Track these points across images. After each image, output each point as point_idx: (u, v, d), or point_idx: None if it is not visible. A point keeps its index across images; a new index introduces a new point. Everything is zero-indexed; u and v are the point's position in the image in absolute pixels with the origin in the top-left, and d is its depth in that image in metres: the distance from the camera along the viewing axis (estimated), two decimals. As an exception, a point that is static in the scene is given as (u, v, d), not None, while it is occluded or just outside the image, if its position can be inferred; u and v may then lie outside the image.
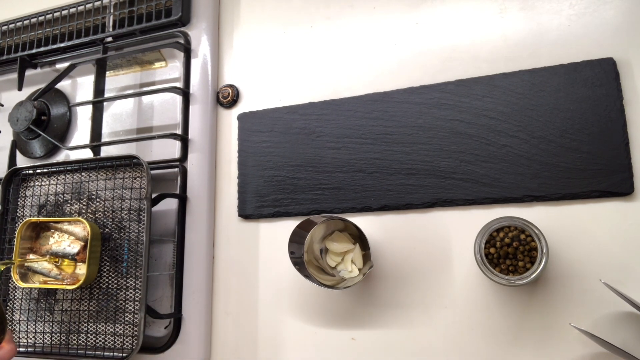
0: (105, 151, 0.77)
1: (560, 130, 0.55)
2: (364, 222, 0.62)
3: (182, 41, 0.74)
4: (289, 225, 0.66)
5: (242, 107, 0.73)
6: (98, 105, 0.76)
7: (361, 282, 0.61)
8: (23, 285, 0.68)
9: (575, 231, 0.54)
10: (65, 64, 0.80)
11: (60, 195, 0.73)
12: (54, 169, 0.74)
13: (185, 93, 0.73)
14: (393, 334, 0.59)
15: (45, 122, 0.82)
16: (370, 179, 0.62)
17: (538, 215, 0.55)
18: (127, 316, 0.66)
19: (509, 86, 0.58)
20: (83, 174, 0.72)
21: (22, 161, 0.84)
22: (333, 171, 0.64)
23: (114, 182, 0.70)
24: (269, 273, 0.66)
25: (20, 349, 0.70)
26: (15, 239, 0.69)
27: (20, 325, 0.71)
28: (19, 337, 0.70)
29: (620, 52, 0.55)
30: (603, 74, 0.54)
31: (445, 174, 0.59)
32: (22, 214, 0.74)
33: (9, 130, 0.84)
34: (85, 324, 0.67)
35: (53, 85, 0.80)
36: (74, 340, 0.67)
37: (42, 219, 0.70)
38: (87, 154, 0.76)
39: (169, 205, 0.69)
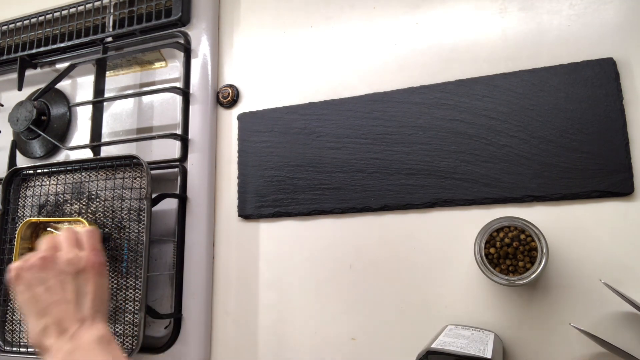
0: (105, 151, 0.77)
1: (560, 130, 0.55)
2: (364, 222, 0.62)
3: (182, 41, 0.74)
4: (289, 225, 0.66)
5: (242, 107, 0.73)
6: (98, 105, 0.76)
7: (361, 282, 0.61)
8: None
9: (575, 231, 0.54)
10: (65, 64, 0.80)
11: (60, 195, 0.73)
12: (54, 169, 0.74)
13: (185, 93, 0.73)
14: (393, 334, 0.59)
15: (45, 122, 0.82)
16: (370, 179, 0.62)
17: (538, 215, 0.55)
18: (127, 316, 0.66)
19: (509, 86, 0.58)
20: (83, 174, 0.72)
21: (22, 161, 0.84)
22: (333, 171, 0.64)
23: (114, 182, 0.70)
24: (269, 273, 0.66)
25: (21, 349, 0.70)
26: (16, 239, 0.69)
27: (20, 325, 0.71)
28: (19, 337, 0.71)
29: (620, 52, 0.55)
30: (603, 74, 0.54)
31: (445, 174, 0.59)
32: (22, 214, 0.74)
33: (9, 130, 0.84)
34: (85, 324, 0.67)
35: (53, 85, 0.80)
36: (74, 340, 0.67)
37: (42, 219, 0.70)
38: (87, 154, 0.76)
39: (169, 205, 0.69)
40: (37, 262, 0.52)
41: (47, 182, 0.74)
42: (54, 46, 0.82)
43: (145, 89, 0.79)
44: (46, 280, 0.51)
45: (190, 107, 0.72)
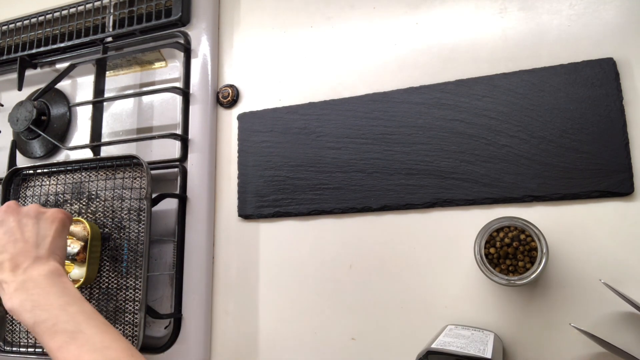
0: (105, 151, 0.77)
1: (560, 130, 0.55)
2: (364, 222, 0.62)
3: (182, 41, 0.74)
4: (289, 225, 0.66)
5: (242, 107, 0.73)
6: (98, 105, 0.76)
7: (360, 282, 0.61)
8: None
9: (575, 231, 0.54)
10: (65, 64, 0.80)
11: (60, 195, 0.73)
12: (54, 169, 0.74)
13: (185, 93, 0.73)
14: (393, 334, 0.59)
15: (45, 122, 0.82)
16: (370, 179, 0.62)
17: (538, 215, 0.55)
18: (127, 316, 0.66)
19: (509, 86, 0.58)
20: (83, 174, 0.72)
21: (22, 161, 0.84)
22: (333, 171, 0.64)
23: (114, 182, 0.70)
24: (269, 273, 0.66)
25: (21, 349, 0.70)
26: (15, 239, 0.69)
27: (20, 325, 0.71)
28: (19, 337, 0.71)
29: (620, 52, 0.55)
30: (603, 74, 0.54)
31: (445, 174, 0.59)
32: (22, 214, 0.74)
33: (9, 130, 0.84)
34: (85, 324, 0.67)
35: (53, 85, 0.80)
36: (74, 340, 0.67)
37: (42, 219, 0.70)
38: (87, 154, 0.76)
39: (169, 205, 0.69)
40: (1, 207, 0.57)
41: (47, 182, 0.74)
42: (54, 46, 0.82)
43: (145, 89, 0.79)
44: (7, 223, 0.55)
45: (190, 107, 0.72)
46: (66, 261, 0.69)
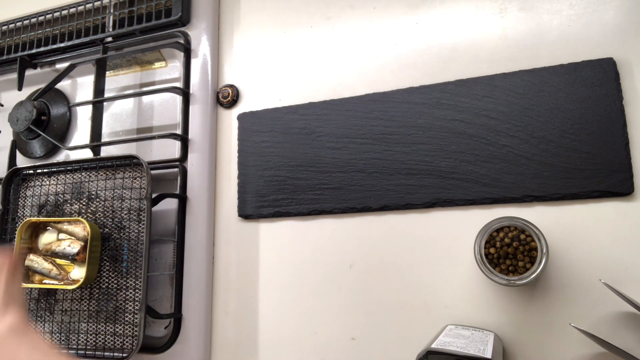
0: (105, 151, 0.77)
1: (560, 130, 0.55)
2: (363, 222, 0.62)
3: (182, 41, 0.74)
4: (289, 225, 0.66)
5: (242, 107, 0.73)
6: (98, 105, 0.76)
7: (360, 282, 0.61)
8: (23, 285, 0.68)
9: (575, 231, 0.54)
10: (65, 64, 0.80)
11: (60, 195, 0.73)
12: (54, 169, 0.74)
13: (185, 93, 0.73)
14: (393, 334, 0.59)
15: (45, 122, 0.82)
16: (370, 179, 0.62)
17: (538, 215, 0.55)
18: (127, 316, 0.66)
19: (509, 86, 0.58)
20: (83, 174, 0.72)
21: (22, 161, 0.84)
22: (333, 171, 0.64)
23: (114, 182, 0.70)
24: (269, 273, 0.66)
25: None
26: (16, 239, 0.69)
27: (20, 325, 0.71)
28: (19, 337, 0.70)
29: (620, 52, 0.55)
30: (603, 74, 0.54)
31: (445, 174, 0.59)
32: (22, 214, 0.74)
33: (9, 130, 0.84)
34: (85, 324, 0.67)
35: (53, 85, 0.80)
36: (74, 340, 0.67)
37: (42, 219, 0.70)
38: (87, 154, 0.76)
39: (169, 205, 0.69)
40: None
41: (47, 182, 0.74)
42: (54, 46, 0.82)
43: (145, 89, 0.79)
44: None
45: (190, 107, 0.72)
46: (66, 261, 0.69)
